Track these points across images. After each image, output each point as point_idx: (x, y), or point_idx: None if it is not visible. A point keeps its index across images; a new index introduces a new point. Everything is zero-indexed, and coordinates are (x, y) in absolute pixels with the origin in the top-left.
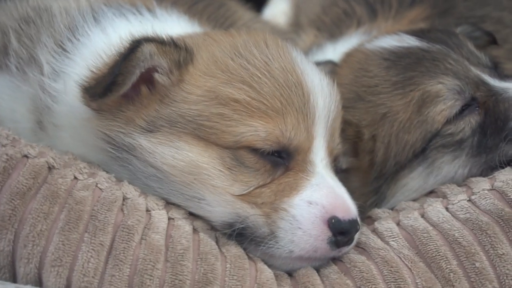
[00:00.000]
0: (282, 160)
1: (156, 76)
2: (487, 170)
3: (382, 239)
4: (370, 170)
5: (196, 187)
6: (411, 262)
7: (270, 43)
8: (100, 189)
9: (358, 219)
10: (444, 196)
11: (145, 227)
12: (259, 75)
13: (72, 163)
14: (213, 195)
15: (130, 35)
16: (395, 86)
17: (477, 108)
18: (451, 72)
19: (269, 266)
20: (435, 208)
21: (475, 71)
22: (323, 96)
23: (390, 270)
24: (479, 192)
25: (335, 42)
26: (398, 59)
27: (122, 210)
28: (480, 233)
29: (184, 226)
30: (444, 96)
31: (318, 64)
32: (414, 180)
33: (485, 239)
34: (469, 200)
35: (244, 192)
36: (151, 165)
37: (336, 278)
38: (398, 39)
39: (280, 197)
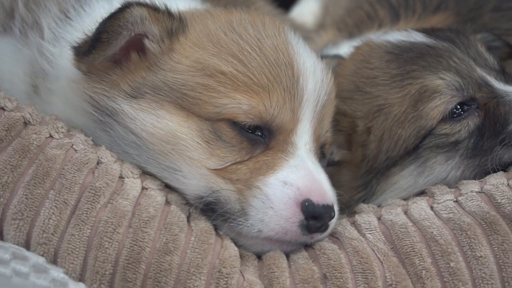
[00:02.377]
0: (263, 138)
1: (147, 42)
2: (481, 174)
3: (359, 231)
4: (362, 163)
5: (172, 158)
6: (384, 256)
7: (267, 22)
8: (75, 150)
9: (335, 207)
10: (432, 195)
11: (114, 192)
12: (249, 50)
13: (51, 122)
14: (189, 167)
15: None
16: (394, 79)
17: (477, 110)
18: (453, 69)
19: (239, 246)
20: (419, 205)
21: (480, 72)
22: (314, 80)
23: (360, 261)
24: (467, 193)
25: (352, 40)
26: (401, 53)
27: (93, 172)
28: (460, 233)
29: (156, 196)
30: (441, 91)
31: (326, 57)
32: (405, 178)
33: (464, 240)
34: (456, 201)
35: (220, 167)
36: (131, 131)
37: (303, 264)
38: (405, 35)
39: (255, 175)
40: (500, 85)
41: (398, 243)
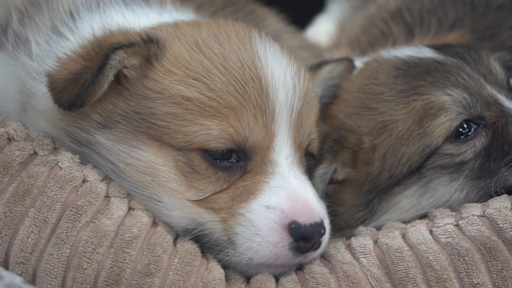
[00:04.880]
0: (238, 162)
1: (125, 71)
2: (486, 196)
3: (353, 255)
4: (365, 182)
5: (153, 189)
6: (376, 281)
7: (232, 34)
8: (60, 167)
9: (325, 222)
10: (432, 219)
11: (98, 211)
12: (214, 70)
13: (37, 138)
14: (170, 198)
15: (103, 27)
16: (399, 94)
17: (485, 129)
18: (462, 86)
19: (231, 268)
20: (417, 229)
21: (490, 89)
22: (285, 89)
23: (350, 286)
24: (468, 217)
25: (364, 57)
26: (408, 68)
27: (76, 190)
28: (458, 259)
29: (142, 216)
30: (447, 108)
31: (331, 62)
32: (407, 198)
33: (462, 266)
34: (456, 225)
35: (200, 198)
36: (109, 161)
37: None
38: (415, 50)
39: (237, 202)
40: (510, 104)
41: (392, 268)
